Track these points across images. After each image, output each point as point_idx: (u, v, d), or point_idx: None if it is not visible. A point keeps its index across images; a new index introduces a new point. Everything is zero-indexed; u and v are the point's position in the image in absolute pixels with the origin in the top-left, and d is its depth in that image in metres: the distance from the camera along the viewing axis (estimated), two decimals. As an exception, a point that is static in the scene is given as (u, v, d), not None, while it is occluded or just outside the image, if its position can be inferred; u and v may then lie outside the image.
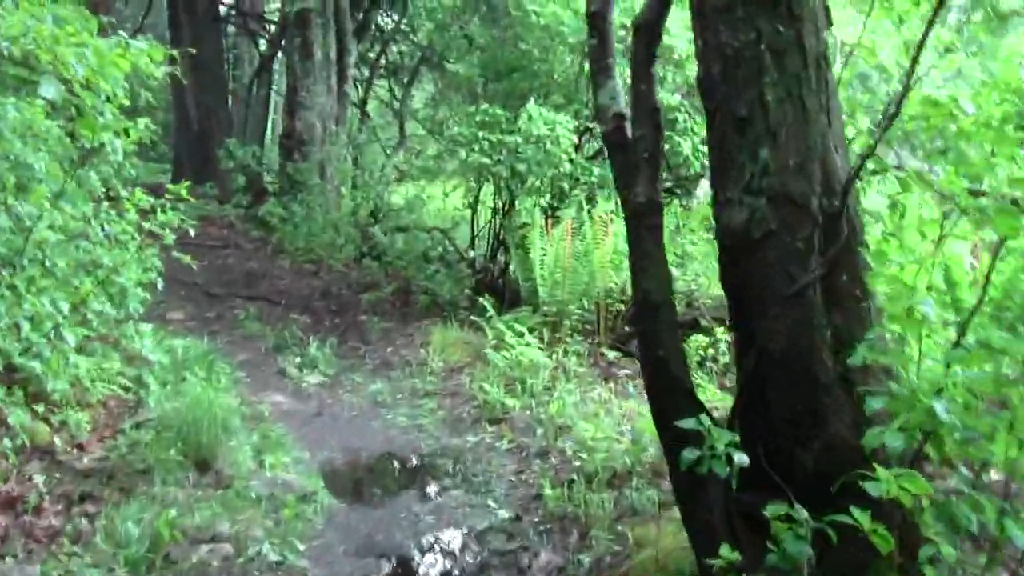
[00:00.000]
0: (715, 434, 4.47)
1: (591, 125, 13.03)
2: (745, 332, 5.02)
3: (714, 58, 4.97)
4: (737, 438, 4.54)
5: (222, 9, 25.56)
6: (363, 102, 23.68)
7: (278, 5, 25.22)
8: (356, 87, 23.00)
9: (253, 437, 8.87)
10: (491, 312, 11.69)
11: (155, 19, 29.04)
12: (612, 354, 10.92)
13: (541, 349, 10.44)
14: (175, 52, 8.83)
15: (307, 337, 12.62)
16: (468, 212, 15.17)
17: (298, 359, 11.75)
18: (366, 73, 24.17)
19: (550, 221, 11.99)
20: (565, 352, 10.71)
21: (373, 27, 22.43)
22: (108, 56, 7.98)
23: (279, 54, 25.66)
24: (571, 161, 12.41)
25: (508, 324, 11.40)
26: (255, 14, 25.92)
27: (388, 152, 22.37)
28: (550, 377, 10.26)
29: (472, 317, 12.45)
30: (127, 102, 8.55)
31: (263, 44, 26.64)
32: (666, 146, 12.58)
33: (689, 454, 4.51)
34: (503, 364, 10.40)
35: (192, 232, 9.48)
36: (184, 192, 8.76)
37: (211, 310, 13.78)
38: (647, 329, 5.30)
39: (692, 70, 12.64)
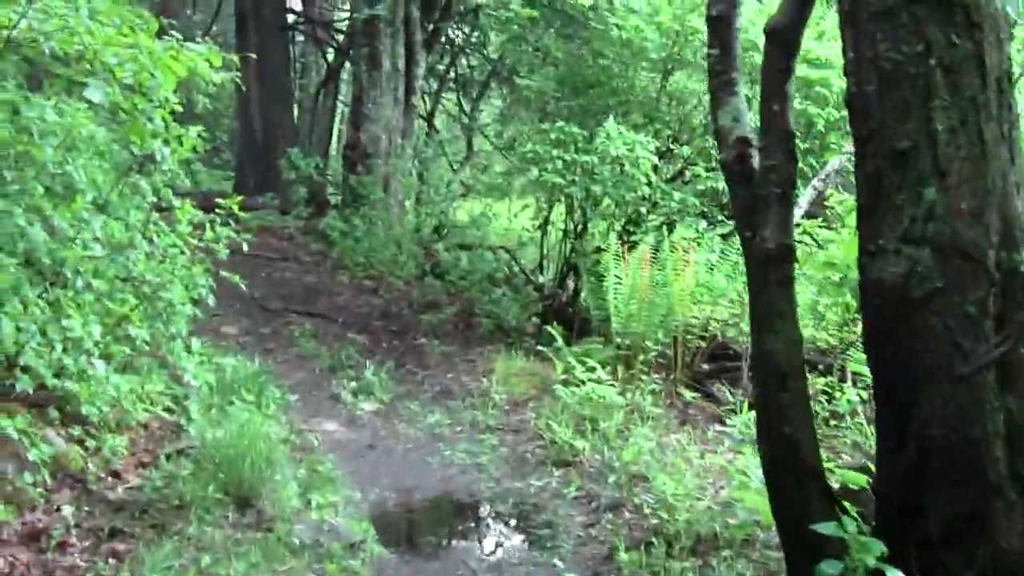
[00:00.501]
0: (861, 544, 3.56)
1: (672, 146, 12.23)
2: (895, 416, 4.08)
3: (869, 74, 4.01)
4: (886, 550, 3.61)
5: (290, 17, 24.78)
6: (430, 115, 22.91)
7: (347, 13, 24.51)
8: (424, 100, 22.27)
9: (300, 471, 8.15)
10: (560, 342, 10.88)
11: (224, 26, 28.46)
12: (690, 394, 10.06)
13: (614, 386, 9.56)
14: (235, 58, 8.13)
15: (364, 359, 11.89)
16: (536, 233, 14.38)
17: (353, 383, 10.98)
18: (434, 86, 23.38)
19: (626, 247, 11.10)
20: (640, 391, 9.84)
21: (443, 39, 21.61)
22: (161, 58, 7.27)
23: (347, 64, 24.95)
24: (650, 184, 11.57)
25: (578, 357, 10.58)
26: (323, 22, 25.23)
27: (454, 167, 21.61)
28: (623, 418, 9.40)
29: (539, 346, 11.64)
30: (180, 108, 7.86)
31: (331, 53, 25.91)
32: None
33: (830, 568, 3.60)
34: (572, 401, 9.53)
35: (246, 246, 8.70)
36: (236, 207, 8.00)
37: (266, 325, 13.05)
38: (771, 400, 4.39)
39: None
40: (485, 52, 23.47)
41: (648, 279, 10.61)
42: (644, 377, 10.00)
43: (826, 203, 11.33)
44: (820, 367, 9.68)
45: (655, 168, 11.67)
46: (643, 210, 11.86)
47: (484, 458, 9.16)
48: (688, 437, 9.27)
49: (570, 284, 13.27)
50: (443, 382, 11.60)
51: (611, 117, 11.83)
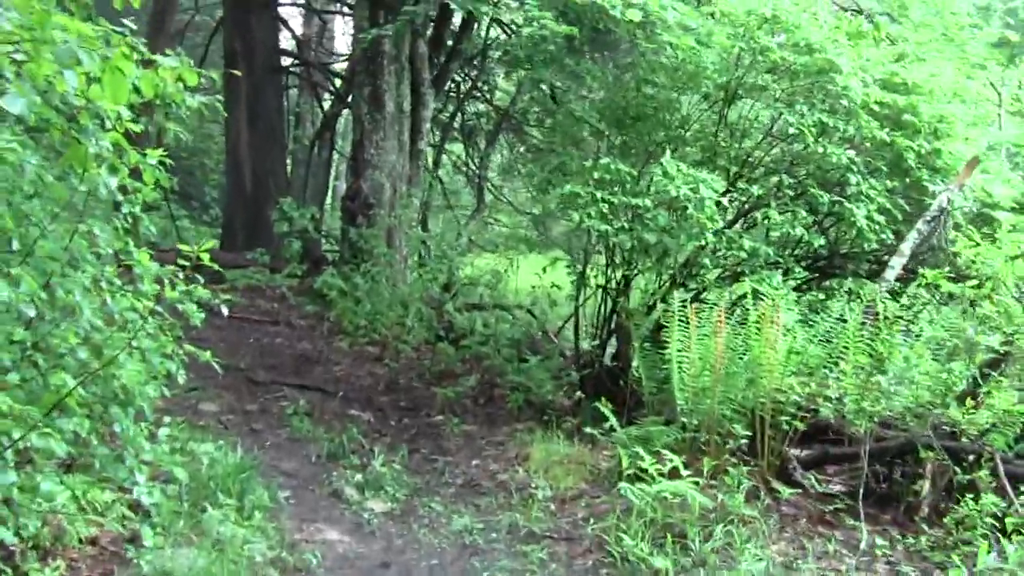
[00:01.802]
0: None
1: (734, 187, 10.17)
2: None
3: None
4: None
5: (284, 61, 22.60)
6: (435, 165, 20.78)
7: (345, 55, 22.43)
8: (427, 149, 20.26)
9: (294, 609, 6.03)
10: (613, 422, 8.72)
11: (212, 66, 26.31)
12: (787, 490, 7.86)
13: (696, 482, 7.34)
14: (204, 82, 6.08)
15: (370, 443, 9.87)
16: (560, 291, 12.27)
17: (358, 475, 8.86)
18: (437, 135, 21.30)
19: (692, 306, 8.92)
20: (726, 487, 7.63)
21: (449, 83, 19.56)
22: (113, 62, 5.21)
23: (344, 112, 22.84)
24: (715, 232, 9.44)
25: (636, 441, 8.44)
26: (319, 64, 23.03)
27: (460, 221, 19.45)
28: (710, 524, 7.24)
29: (583, 427, 9.51)
30: (137, 128, 5.90)
31: (328, 102, 23.82)
32: (835, 212, 9.78)
33: None
34: (641, 502, 7.30)
35: (226, 309, 6.75)
36: (205, 257, 5.95)
37: (253, 401, 10.92)
38: None
39: (868, 121, 9.90)
40: (488, 98, 21.50)
41: (724, 345, 8.45)
42: (730, 469, 7.77)
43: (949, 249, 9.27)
44: (964, 456, 7.50)
45: (723, 211, 9.55)
46: (706, 261, 9.71)
47: (533, 581, 7.01)
48: (796, 548, 7.10)
49: (609, 350, 11.11)
50: (468, 472, 9.49)
51: (667, 152, 9.70)
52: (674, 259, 10.34)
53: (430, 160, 20.23)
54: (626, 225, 9.66)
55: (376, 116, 15.45)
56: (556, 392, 11.08)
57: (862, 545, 7.02)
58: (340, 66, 23.75)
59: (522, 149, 21.56)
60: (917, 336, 8.16)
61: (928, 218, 9.64)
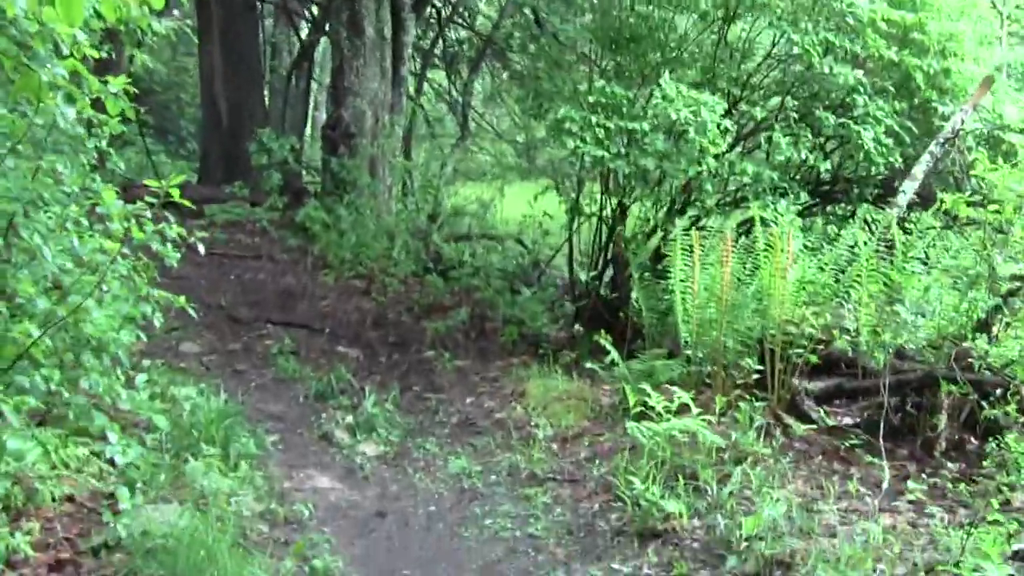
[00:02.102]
0: None
1: (735, 108, 9.68)
2: None
3: None
4: None
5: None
6: (417, 93, 20.11)
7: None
8: (408, 78, 19.64)
9: (286, 564, 5.61)
10: (615, 356, 8.28)
11: (185, -2, 25.43)
12: (801, 427, 7.42)
13: (707, 420, 6.88)
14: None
15: (359, 381, 9.44)
16: (553, 220, 11.80)
17: (349, 417, 8.47)
18: (418, 63, 20.63)
19: (697, 235, 8.42)
20: (739, 424, 7.18)
21: (430, 7, 18.91)
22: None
23: (322, 42, 22.10)
24: (717, 156, 8.95)
25: (639, 375, 8.02)
26: (297, -9, 22.23)
27: (444, 150, 18.83)
28: (723, 463, 6.82)
29: (581, 361, 9.07)
30: (95, 54, 5.52)
31: (305, 31, 23.08)
32: (841, 135, 9.29)
33: None
34: (650, 442, 6.84)
35: (201, 247, 6.35)
36: (175, 192, 5.47)
37: (236, 340, 10.48)
38: None
39: (876, 39, 9.39)
40: (472, 23, 20.88)
41: (730, 277, 7.98)
42: (742, 405, 7.31)
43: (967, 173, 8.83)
44: (987, 390, 7.06)
45: (724, 134, 9.04)
46: (707, 187, 9.19)
47: (536, 527, 6.62)
48: (814, 488, 6.68)
49: (608, 280, 10.65)
50: (463, 410, 9.10)
51: (665, 74, 9.17)
52: (672, 185, 9.86)
53: (412, 88, 19.62)
54: (623, 150, 9.17)
55: (355, 42, 14.84)
56: (551, 325, 10.63)
57: (884, 484, 6.58)
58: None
59: (506, 76, 20.91)
60: (933, 265, 7.70)
61: (941, 140, 9.17)
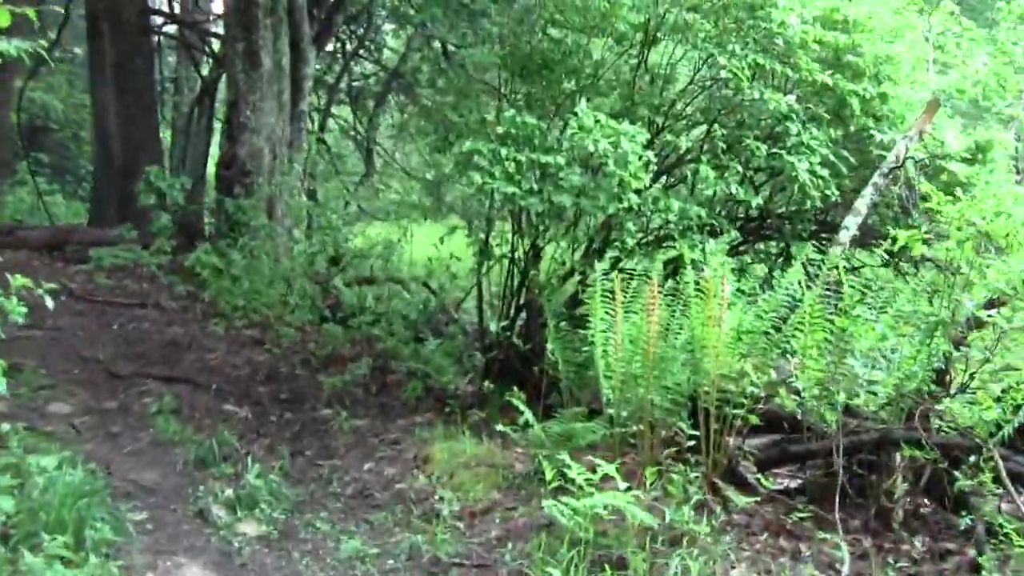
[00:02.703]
0: None
1: (667, 137, 8.74)
2: None
3: None
4: None
5: (156, 20, 20.55)
6: (321, 130, 19.03)
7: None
8: (312, 115, 18.58)
9: None
10: (528, 417, 7.29)
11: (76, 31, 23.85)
12: (742, 499, 6.44)
13: (635, 495, 5.86)
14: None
15: (246, 445, 8.36)
16: (461, 262, 10.80)
17: (229, 489, 7.31)
18: (323, 98, 19.58)
19: (619, 278, 7.43)
20: (667, 495, 6.19)
21: (334, 39, 17.90)
22: None
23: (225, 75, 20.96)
24: (639, 191, 8.01)
25: (556, 439, 7.05)
26: (193, 24, 20.94)
27: (349, 188, 17.75)
28: (655, 545, 5.83)
29: (491, 420, 8.10)
30: None
31: (207, 68, 21.88)
32: (773, 166, 8.41)
33: None
34: (571, 522, 5.82)
35: (49, 302, 5.58)
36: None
37: (112, 398, 9.36)
38: None
39: (808, 62, 8.53)
40: (378, 57, 19.89)
41: (656, 327, 6.99)
42: (674, 475, 6.32)
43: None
44: (953, 451, 6.12)
45: (647, 167, 8.07)
46: (629, 225, 8.21)
47: (444, 631, 5.56)
48: (762, 572, 5.72)
49: (520, 329, 9.63)
50: (360, 478, 8.04)
51: (582, 102, 8.20)
52: (589, 224, 8.92)
53: (315, 124, 18.58)
54: (535, 186, 8.20)
55: (252, 75, 13.78)
56: (459, 378, 9.60)
57: (844, 569, 5.62)
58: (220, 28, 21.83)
59: (413, 111, 19.92)
60: (883, 310, 6.76)
61: (884, 170, 8.29)
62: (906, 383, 6.33)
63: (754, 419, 6.64)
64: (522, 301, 9.57)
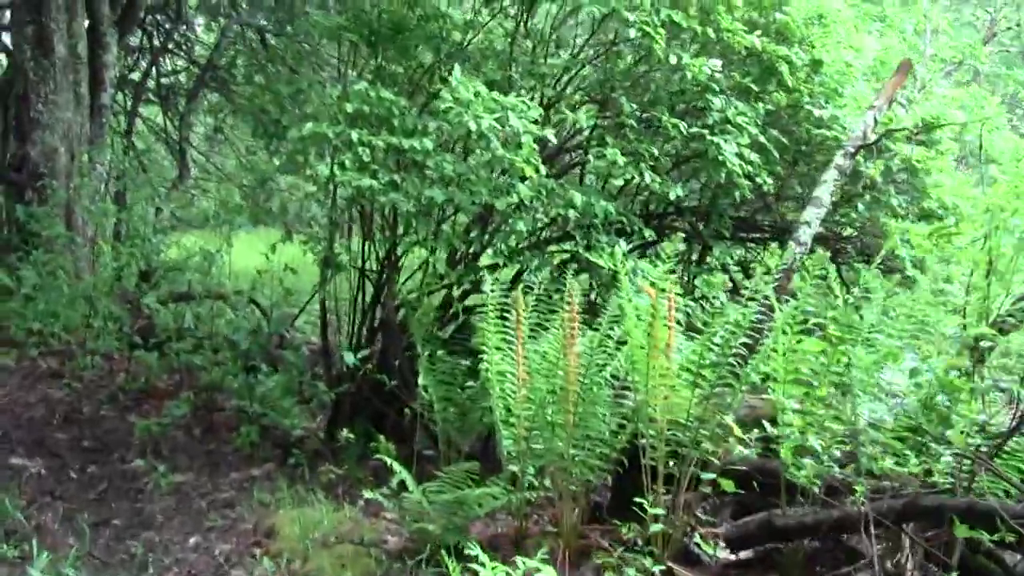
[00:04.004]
0: None
1: (565, 114, 6.78)
2: None
3: None
4: None
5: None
6: (128, 132, 16.58)
7: None
8: (119, 117, 16.22)
9: None
10: (404, 475, 5.36)
11: None
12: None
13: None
14: None
15: (36, 513, 6.30)
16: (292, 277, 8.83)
17: (6, 588, 5.22)
18: (129, 97, 17.17)
19: (520, 293, 5.52)
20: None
21: (140, 32, 15.58)
22: None
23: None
24: (525, 180, 6.14)
25: (446, 506, 5.17)
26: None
27: (161, 194, 15.40)
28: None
29: (352, 473, 6.19)
30: None
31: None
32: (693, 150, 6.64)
33: None
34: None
35: None
36: None
37: None
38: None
39: (727, 18, 6.73)
40: (190, 52, 17.56)
41: (575, 357, 5.10)
42: (606, 556, 4.46)
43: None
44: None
45: (543, 151, 6.19)
46: (520, 225, 6.30)
47: None
48: None
49: (383, 359, 7.60)
50: (184, 558, 5.98)
51: (456, 68, 6.24)
52: (454, 224, 7.04)
53: (121, 123, 16.21)
54: (398, 179, 6.25)
55: (43, 62, 11.47)
56: (304, 416, 7.59)
57: None
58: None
59: (228, 110, 17.63)
60: (878, 330, 4.95)
61: (850, 149, 6.58)
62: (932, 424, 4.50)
63: (729, 485, 4.77)
64: (376, 322, 7.60)
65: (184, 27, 17.37)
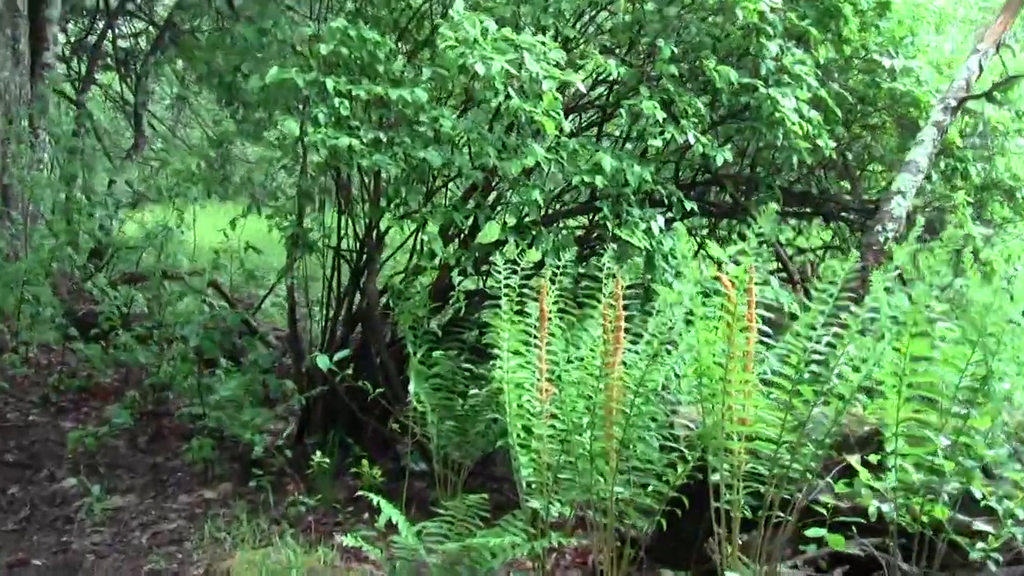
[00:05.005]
0: None
1: (592, 56, 5.45)
2: None
3: None
4: None
5: None
6: (79, 99, 15.12)
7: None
8: (74, 84, 14.88)
9: None
10: (397, 517, 4.11)
11: None
12: None
13: None
14: None
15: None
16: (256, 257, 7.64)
17: None
18: (83, 62, 15.78)
19: (543, 281, 4.24)
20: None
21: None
22: None
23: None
24: (557, 143, 4.90)
25: (447, 553, 3.96)
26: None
27: (116, 165, 13.99)
28: None
29: (326, 498, 4.95)
30: None
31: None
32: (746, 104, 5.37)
33: None
34: None
35: None
36: None
37: None
38: None
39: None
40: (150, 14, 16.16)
41: (617, 360, 3.85)
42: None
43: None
44: None
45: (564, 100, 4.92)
46: (537, 196, 4.99)
47: None
48: None
49: (361, 357, 6.27)
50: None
51: (457, 1, 4.95)
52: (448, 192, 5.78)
53: (70, 88, 14.84)
54: (383, 137, 4.98)
55: (-27, 15, 10.12)
56: (265, 426, 6.25)
57: None
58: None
59: (194, 80, 16.20)
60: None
61: (951, 102, 5.33)
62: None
63: (839, 541, 3.54)
64: (354, 311, 6.30)
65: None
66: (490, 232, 5.91)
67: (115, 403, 7.00)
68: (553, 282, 4.56)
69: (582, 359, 4.10)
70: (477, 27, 4.70)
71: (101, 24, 15.89)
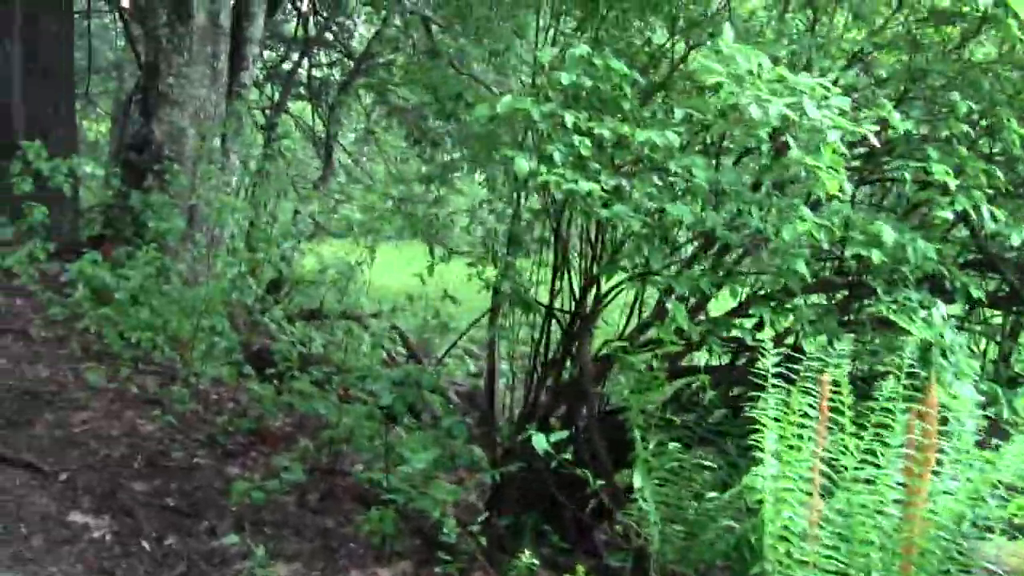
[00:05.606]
0: None
1: (882, 106, 4.63)
2: None
3: None
4: None
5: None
6: (272, 126, 14.78)
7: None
8: (264, 104, 14.61)
9: None
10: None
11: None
12: None
13: None
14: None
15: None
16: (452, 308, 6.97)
17: None
18: (276, 90, 15.50)
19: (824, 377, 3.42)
20: None
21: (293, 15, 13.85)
22: None
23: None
24: (819, 203, 4.12)
25: None
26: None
27: (299, 193, 13.56)
28: None
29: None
30: None
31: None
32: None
33: None
34: None
35: None
36: None
37: None
38: None
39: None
40: (347, 45, 15.82)
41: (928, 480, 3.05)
42: None
43: None
44: None
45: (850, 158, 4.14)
46: (800, 266, 4.17)
47: None
48: None
49: (576, 429, 5.51)
50: None
51: (726, 28, 4.18)
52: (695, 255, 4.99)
53: (261, 115, 14.53)
54: (625, 184, 4.23)
55: (179, 29, 9.71)
56: (452, 521, 5.49)
57: None
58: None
59: (384, 115, 15.80)
60: None
61: None
62: None
63: None
64: (563, 377, 5.55)
65: (343, 17, 15.68)
66: (722, 301, 5.13)
67: (284, 451, 6.38)
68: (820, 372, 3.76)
69: (870, 480, 3.28)
70: (752, 62, 3.93)
71: (296, 54, 15.63)
